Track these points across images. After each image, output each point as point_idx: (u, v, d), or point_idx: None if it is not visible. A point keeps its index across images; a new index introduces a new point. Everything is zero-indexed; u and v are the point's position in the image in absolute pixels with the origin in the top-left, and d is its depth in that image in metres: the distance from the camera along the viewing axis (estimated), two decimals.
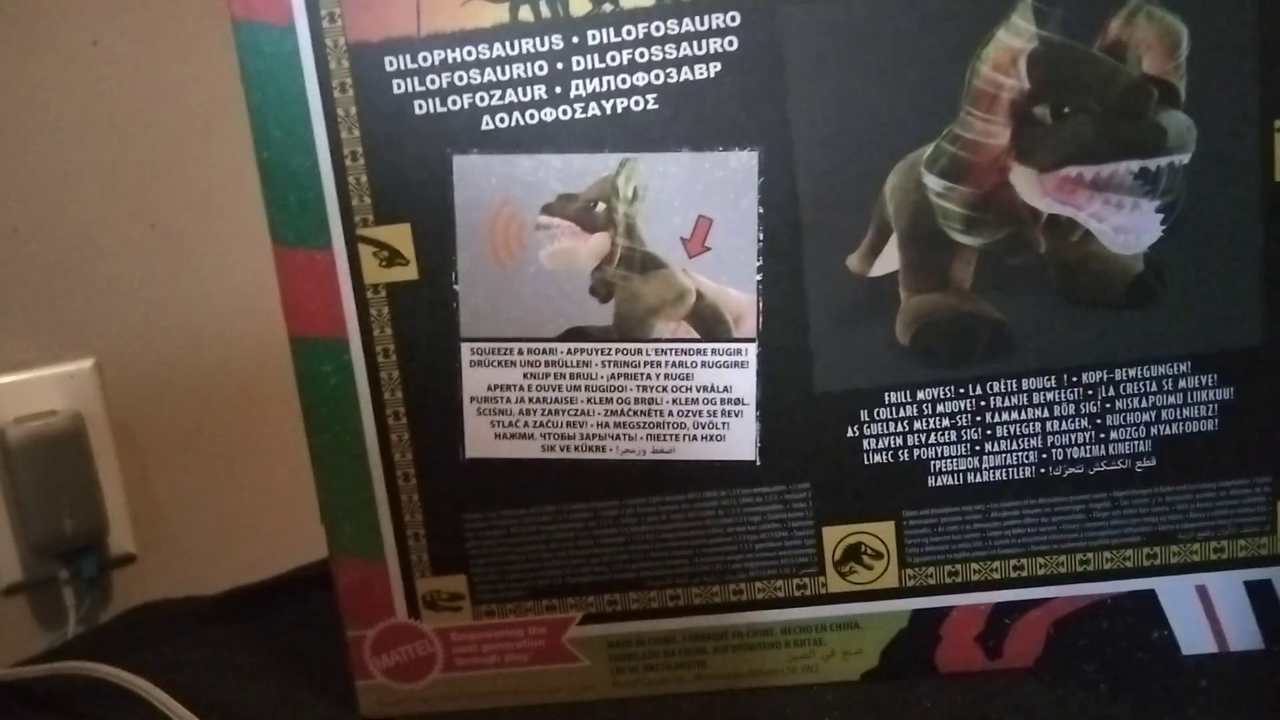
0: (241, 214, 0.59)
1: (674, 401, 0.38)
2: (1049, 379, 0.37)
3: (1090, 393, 0.37)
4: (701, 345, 0.37)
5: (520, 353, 0.38)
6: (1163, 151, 0.35)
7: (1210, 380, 0.37)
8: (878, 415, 0.38)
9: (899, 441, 0.38)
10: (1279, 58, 0.35)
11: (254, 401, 0.60)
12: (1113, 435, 0.37)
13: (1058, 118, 0.35)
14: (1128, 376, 0.37)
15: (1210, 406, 0.37)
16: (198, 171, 0.59)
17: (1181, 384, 0.37)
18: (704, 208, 0.37)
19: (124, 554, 0.61)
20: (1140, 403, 0.37)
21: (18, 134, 0.57)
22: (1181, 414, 0.37)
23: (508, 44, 0.36)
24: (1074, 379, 0.37)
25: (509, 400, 0.38)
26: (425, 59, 0.36)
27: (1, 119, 0.56)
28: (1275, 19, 0.34)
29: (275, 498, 0.62)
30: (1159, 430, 0.37)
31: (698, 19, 0.35)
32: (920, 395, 0.37)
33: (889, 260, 0.37)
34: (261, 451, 0.62)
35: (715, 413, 0.38)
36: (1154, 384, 0.37)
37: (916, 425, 0.38)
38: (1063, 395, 0.37)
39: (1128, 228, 0.36)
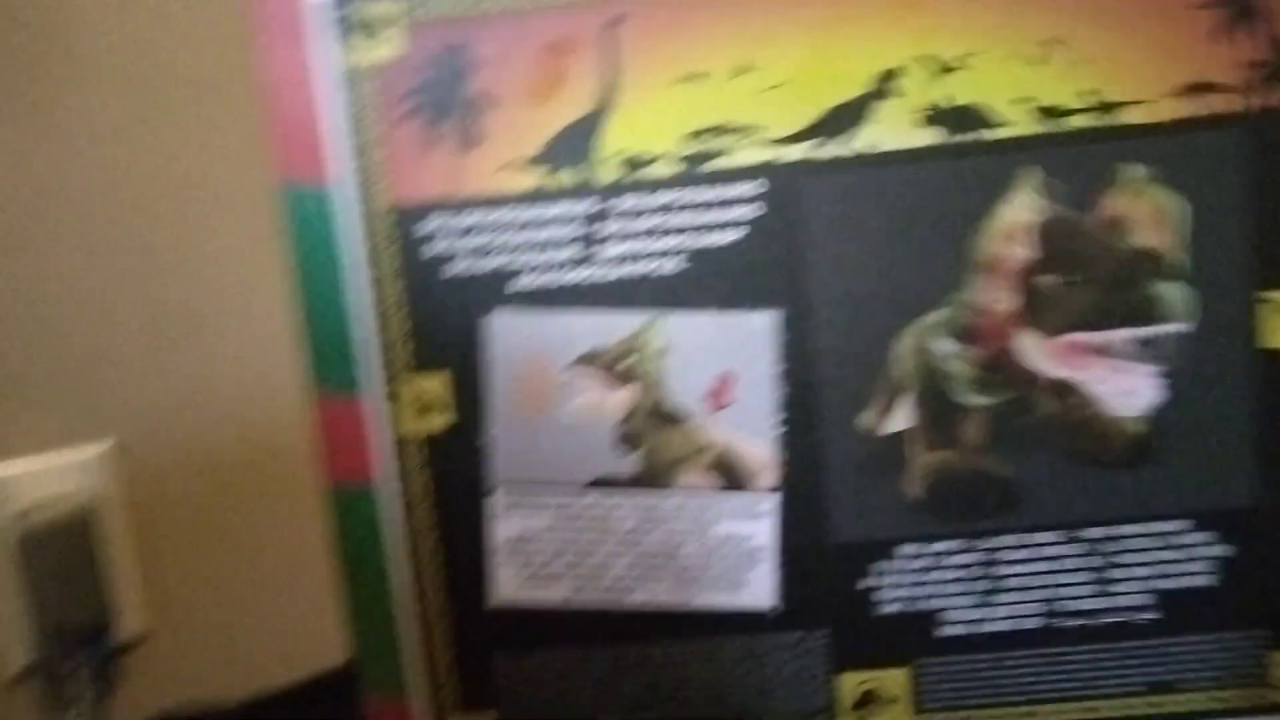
0: (261, 294, 0.60)
1: (696, 551, 0.39)
2: (1055, 534, 0.39)
3: (1095, 548, 0.39)
4: (722, 496, 0.39)
5: (549, 500, 0.39)
6: (1160, 320, 0.38)
7: (1209, 537, 0.39)
8: (892, 566, 0.39)
9: (912, 591, 0.39)
10: (1270, 233, 0.37)
11: (274, 487, 0.61)
12: (1116, 588, 0.39)
13: (1061, 287, 0.38)
14: (1131, 533, 0.39)
15: (1209, 562, 0.39)
16: (217, 252, 0.60)
17: (1182, 540, 0.39)
18: (727, 364, 0.39)
19: (136, 640, 0.61)
20: (1143, 558, 0.39)
21: (38, 212, 0.58)
22: (1182, 569, 0.39)
23: (540, 207, 0.38)
24: (1079, 534, 0.39)
25: (538, 545, 0.39)
26: (462, 221, 0.38)
27: (21, 198, 0.58)
28: (1268, 196, 0.37)
29: (293, 587, 0.62)
30: (1161, 584, 0.39)
31: (723, 187, 0.38)
32: (933, 548, 0.39)
33: (901, 418, 0.39)
34: (281, 539, 0.62)
35: (735, 562, 0.39)
36: (1156, 540, 0.39)
37: (929, 576, 0.39)
38: (1069, 550, 0.39)
39: (1128, 391, 0.38)
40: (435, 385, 0.39)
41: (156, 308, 0.61)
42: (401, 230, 0.38)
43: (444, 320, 0.38)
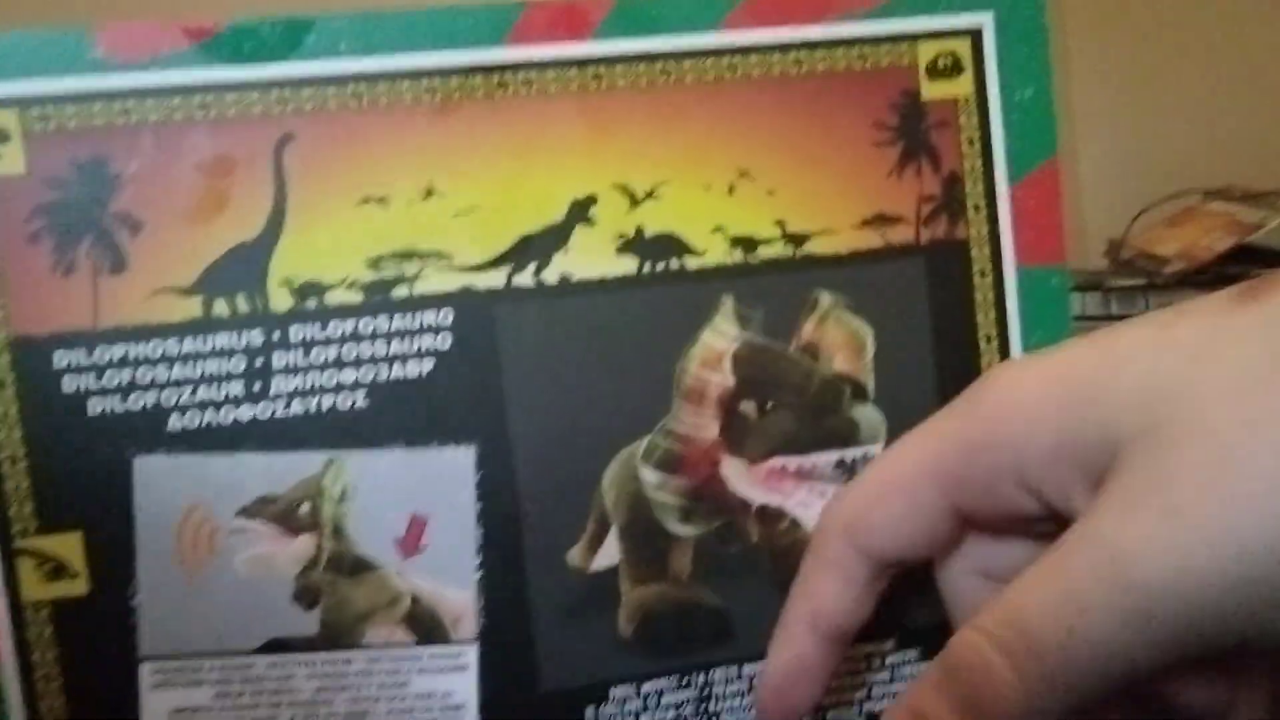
0: None
1: (389, 712, 0.38)
2: None
3: None
4: (418, 650, 0.38)
5: (211, 670, 0.37)
6: (856, 442, 0.41)
7: (913, 655, 0.42)
8: (604, 711, 0.39)
9: None
10: (950, 356, 0.41)
11: None
12: (828, 716, 0.41)
13: (762, 413, 0.40)
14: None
15: (911, 680, 0.42)
16: None
17: (888, 660, 0.42)
18: (418, 506, 0.38)
19: None
20: (853, 680, 0.41)
21: None
22: (890, 689, 0.42)
23: (200, 339, 0.36)
24: None
25: None
26: (103, 355, 0.35)
27: None
28: (944, 322, 0.41)
29: None
30: (871, 707, 0.41)
31: (409, 316, 0.37)
32: (645, 688, 0.40)
33: (610, 553, 0.39)
34: None
35: None
36: (863, 662, 0.41)
37: (642, 719, 0.39)
38: None
39: None
40: (66, 545, 0.35)
41: None
42: (24, 367, 0.35)
43: (79, 469, 0.35)
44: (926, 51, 0.41)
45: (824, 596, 0.31)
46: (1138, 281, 1.17)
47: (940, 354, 0.42)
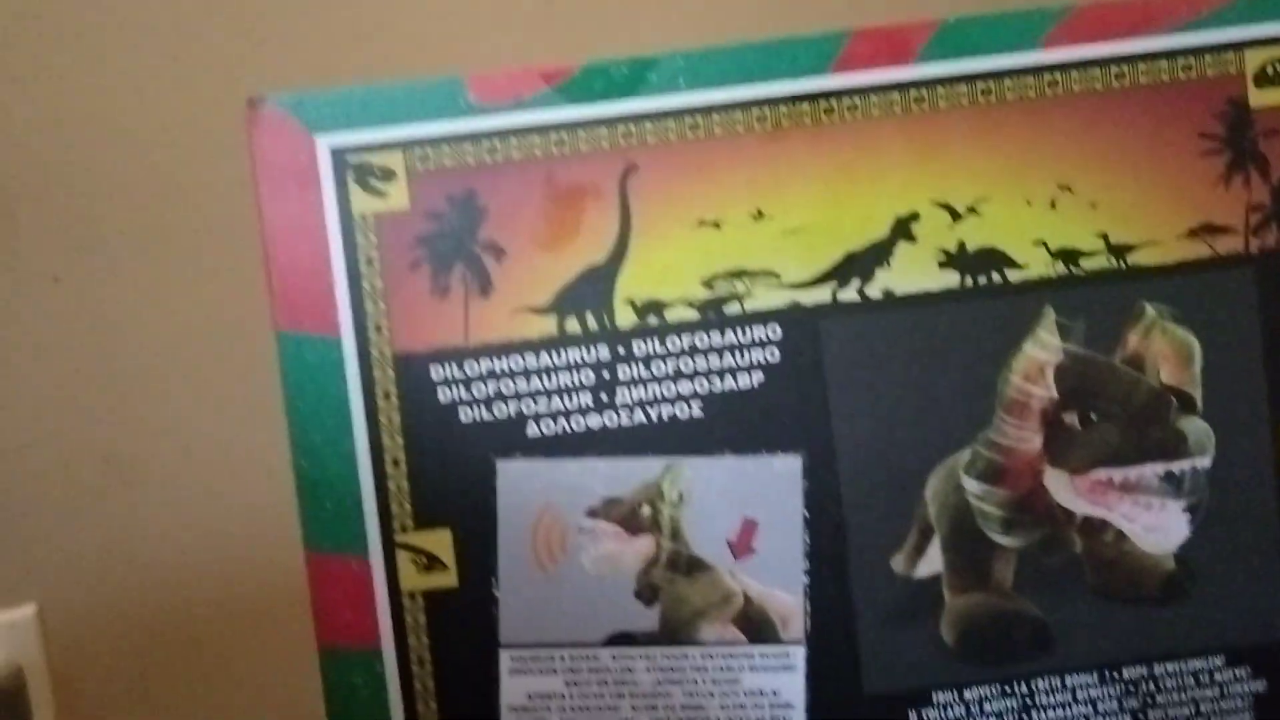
0: (202, 446, 0.63)
1: (721, 707, 0.43)
2: (1091, 675, 0.43)
3: (1131, 688, 0.43)
4: (749, 649, 0.43)
5: (562, 660, 0.42)
6: (1184, 455, 0.43)
7: (1244, 673, 0.43)
8: (926, 716, 0.43)
9: None
10: None
11: (213, 655, 0.62)
12: None
13: (1085, 424, 0.43)
14: (1166, 671, 0.44)
15: (1245, 699, 0.43)
16: (157, 403, 0.63)
17: (1217, 677, 0.44)
18: (749, 510, 0.42)
19: None
20: (1179, 696, 0.44)
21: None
22: (1219, 706, 0.44)
23: (555, 354, 0.42)
24: (1115, 674, 0.44)
25: (549, 709, 0.43)
26: (472, 368, 0.42)
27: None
28: (1276, 333, 0.42)
29: None
30: None
31: (740, 331, 0.42)
32: (967, 695, 0.43)
33: (933, 561, 0.43)
34: (221, 712, 0.63)
35: (764, 718, 0.42)
36: (1191, 678, 0.44)
37: None
38: (1105, 691, 0.44)
39: (1157, 527, 0.43)
40: (438, 541, 0.42)
41: (92, 461, 0.63)
42: (406, 380, 0.42)
43: (450, 472, 0.42)
44: (1254, 59, 0.43)
45: None
46: None
47: (1272, 366, 0.44)
